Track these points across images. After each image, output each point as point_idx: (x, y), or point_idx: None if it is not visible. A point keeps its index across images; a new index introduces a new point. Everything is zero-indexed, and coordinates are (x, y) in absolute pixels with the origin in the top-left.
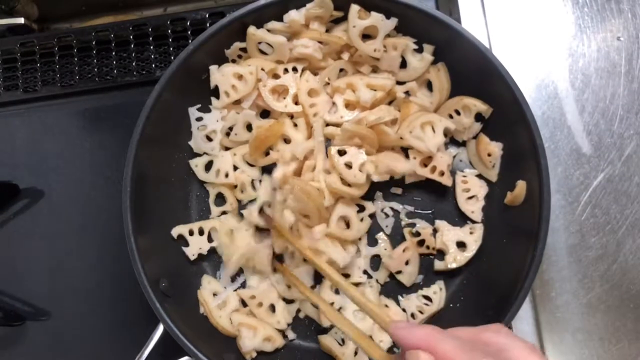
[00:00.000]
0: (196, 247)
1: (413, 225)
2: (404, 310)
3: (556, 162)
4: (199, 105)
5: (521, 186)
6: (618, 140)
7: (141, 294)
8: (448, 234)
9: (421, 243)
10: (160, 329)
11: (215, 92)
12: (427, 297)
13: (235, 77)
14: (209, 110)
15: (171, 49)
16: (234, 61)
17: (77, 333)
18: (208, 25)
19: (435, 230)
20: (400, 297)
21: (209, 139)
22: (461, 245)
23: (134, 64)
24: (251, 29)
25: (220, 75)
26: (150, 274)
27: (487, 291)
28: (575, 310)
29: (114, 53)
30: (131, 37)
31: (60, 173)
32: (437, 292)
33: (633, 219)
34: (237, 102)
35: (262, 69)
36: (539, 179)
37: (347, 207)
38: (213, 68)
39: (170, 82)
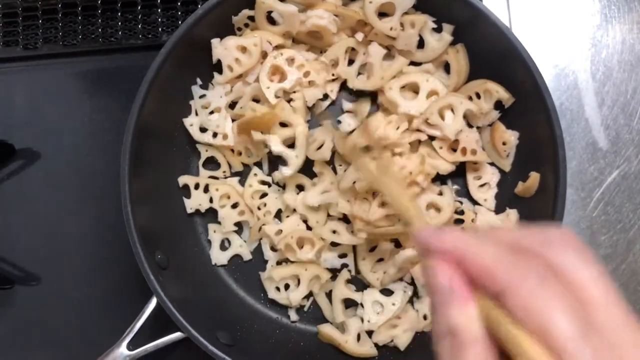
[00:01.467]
0: (197, 201)
1: (460, 203)
2: (416, 310)
3: (571, 156)
4: (201, 83)
5: (534, 178)
6: (637, 137)
7: (135, 265)
8: (480, 219)
9: (459, 222)
10: (153, 302)
11: (218, 66)
12: None
13: (239, 50)
14: (211, 84)
15: (179, 13)
16: (239, 29)
17: (68, 300)
18: None
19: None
20: (414, 298)
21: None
22: None
23: (139, 26)
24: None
25: (223, 49)
26: (146, 245)
27: None
28: None
29: (119, 14)
30: None
31: (58, 135)
32: None
33: None
34: (240, 77)
35: (269, 42)
36: (554, 172)
37: (428, 193)
38: (215, 41)
39: (176, 47)
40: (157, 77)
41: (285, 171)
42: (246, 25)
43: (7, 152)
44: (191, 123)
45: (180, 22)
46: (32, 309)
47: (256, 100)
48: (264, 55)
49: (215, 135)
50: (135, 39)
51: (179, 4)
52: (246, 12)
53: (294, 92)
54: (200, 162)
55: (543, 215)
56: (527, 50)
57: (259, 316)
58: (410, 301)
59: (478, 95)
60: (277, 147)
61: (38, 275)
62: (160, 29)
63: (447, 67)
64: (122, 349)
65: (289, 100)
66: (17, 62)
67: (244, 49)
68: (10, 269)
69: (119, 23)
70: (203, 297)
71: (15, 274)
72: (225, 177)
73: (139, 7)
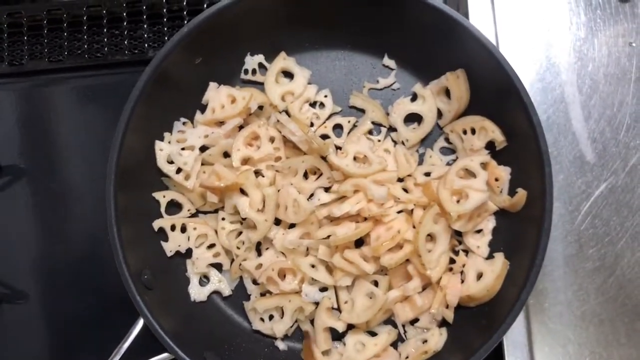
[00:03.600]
0: (175, 243)
1: (459, 242)
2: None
3: (558, 169)
4: (185, 120)
5: (521, 195)
6: (623, 150)
7: (122, 284)
8: (470, 262)
9: (452, 261)
10: (140, 323)
11: (203, 105)
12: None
13: (228, 98)
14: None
15: (165, 28)
16: (246, 72)
17: (54, 319)
18: (205, 6)
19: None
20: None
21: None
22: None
23: (126, 42)
24: (283, 54)
25: (215, 93)
26: (132, 265)
27: None
28: (568, 322)
29: (105, 30)
30: (124, 14)
31: (44, 152)
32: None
33: (633, 232)
34: (219, 123)
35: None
36: (541, 186)
37: (435, 225)
38: (212, 85)
39: (162, 65)
40: (142, 95)
41: (252, 237)
42: (254, 71)
43: None
44: (161, 148)
45: (166, 38)
46: (17, 328)
47: (226, 155)
48: (247, 110)
49: (179, 171)
50: (121, 55)
51: (165, 19)
52: (260, 58)
53: (265, 168)
54: (162, 208)
55: (530, 232)
56: (526, 90)
57: (247, 335)
58: (394, 344)
59: (473, 131)
60: (245, 211)
61: (25, 293)
62: (146, 45)
63: (448, 93)
64: None
65: (257, 172)
66: (3, 78)
67: (233, 100)
68: None
69: (105, 39)
70: (190, 317)
71: (1, 292)
72: (192, 215)
73: (125, 23)
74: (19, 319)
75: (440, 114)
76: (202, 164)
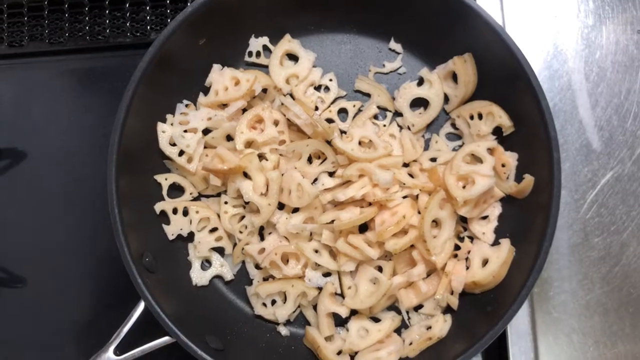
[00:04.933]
0: (177, 227)
1: (464, 229)
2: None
3: (564, 157)
4: (187, 102)
5: (528, 181)
6: (630, 138)
7: (123, 268)
8: (475, 249)
9: (457, 248)
10: (141, 306)
11: (206, 87)
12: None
13: (232, 80)
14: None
15: (168, 10)
16: (250, 54)
17: (53, 304)
18: None
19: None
20: (402, 329)
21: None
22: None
23: (128, 24)
24: (288, 36)
25: (219, 75)
26: (133, 247)
27: None
28: (572, 311)
29: (107, 12)
30: None
31: (43, 135)
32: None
33: (639, 221)
34: (221, 105)
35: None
36: (549, 174)
37: (440, 210)
38: (216, 67)
39: (164, 46)
40: (144, 76)
41: (256, 222)
42: (258, 53)
43: None
44: (164, 130)
45: (169, 20)
46: (16, 312)
47: (230, 138)
48: (251, 93)
49: (181, 153)
50: (123, 37)
51: (168, 2)
52: (265, 40)
53: (269, 151)
54: (164, 191)
55: (537, 219)
56: (535, 74)
57: (249, 320)
58: (398, 330)
59: (480, 116)
60: (249, 195)
61: (23, 277)
62: (149, 27)
63: (455, 77)
64: (109, 354)
65: (261, 155)
66: (2, 60)
67: (237, 82)
68: None
69: (107, 21)
70: (192, 301)
71: (0, 276)
72: (195, 199)
73: (128, 5)
74: (18, 303)
75: (446, 98)
76: (205, 147)
